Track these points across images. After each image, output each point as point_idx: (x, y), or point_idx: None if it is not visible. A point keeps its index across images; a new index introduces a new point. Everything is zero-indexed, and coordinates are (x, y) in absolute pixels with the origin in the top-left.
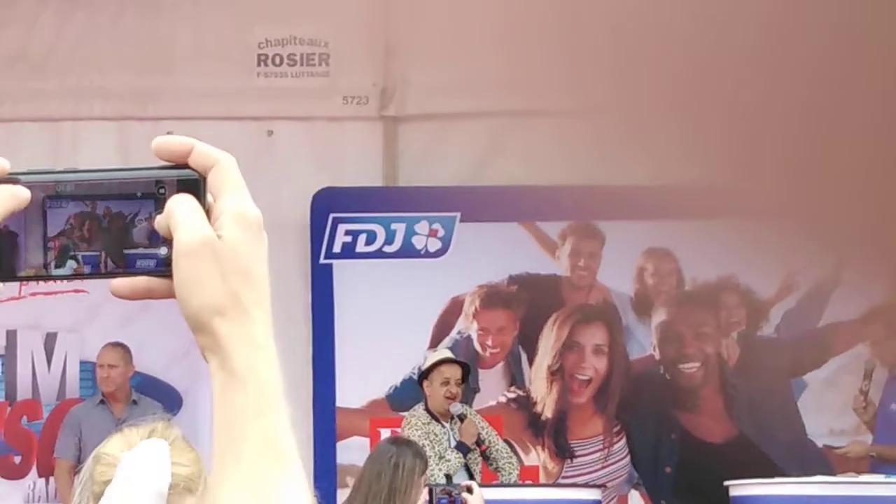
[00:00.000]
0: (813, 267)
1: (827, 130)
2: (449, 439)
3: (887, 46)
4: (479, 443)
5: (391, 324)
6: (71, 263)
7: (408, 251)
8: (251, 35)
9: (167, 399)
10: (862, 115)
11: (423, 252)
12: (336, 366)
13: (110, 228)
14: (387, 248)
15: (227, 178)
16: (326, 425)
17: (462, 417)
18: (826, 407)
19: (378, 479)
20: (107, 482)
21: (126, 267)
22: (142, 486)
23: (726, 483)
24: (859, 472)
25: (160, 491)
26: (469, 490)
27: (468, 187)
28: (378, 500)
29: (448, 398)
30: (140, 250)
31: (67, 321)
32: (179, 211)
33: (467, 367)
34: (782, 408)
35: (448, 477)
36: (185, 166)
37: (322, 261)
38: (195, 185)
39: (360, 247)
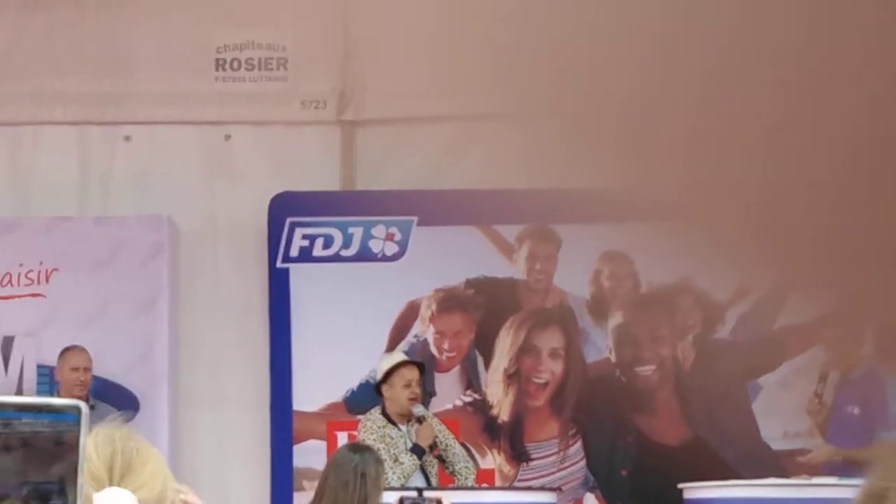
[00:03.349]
0: (767, 270)
1: (782, 140)
2: (405, 442)
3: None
4: (432, 446)
5: (348, 327)
6: None
7: (365, 255)
8: (209, 39)
9: (125, 403)
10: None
11: (380, 256)
12: (293, 369)
13: None
14: (344, 252)
15: None
16: (283, 429)
17: (421, 420)
18: (780, 410)
19: (345, 489)
20: None
21: None
22: None
23: (681, 486)
24: (812, 475)
25: None
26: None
27: (425, 191)
28: None
29: (411, 399)
30: None
31: (24, 325)
32: None
33: (423, 366)
34: (737, 410)
35: (419, 491)
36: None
37: (279, 265)
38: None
39: (318, 251)
